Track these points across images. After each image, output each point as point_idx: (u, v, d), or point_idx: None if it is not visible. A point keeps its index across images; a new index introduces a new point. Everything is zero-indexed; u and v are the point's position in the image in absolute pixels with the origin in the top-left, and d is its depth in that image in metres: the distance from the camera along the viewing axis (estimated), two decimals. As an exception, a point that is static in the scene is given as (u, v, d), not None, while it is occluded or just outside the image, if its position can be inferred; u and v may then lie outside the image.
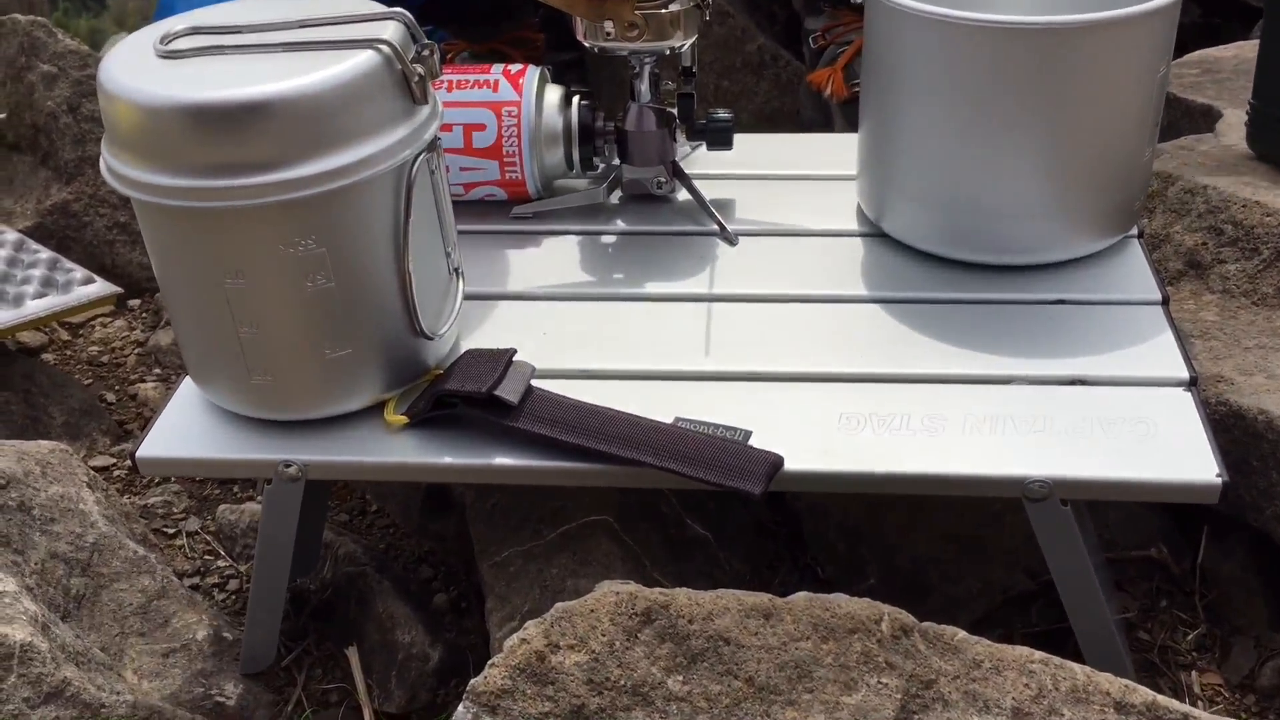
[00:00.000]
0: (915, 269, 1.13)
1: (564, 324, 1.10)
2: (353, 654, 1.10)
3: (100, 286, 1.52)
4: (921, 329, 1.06)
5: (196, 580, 1.24)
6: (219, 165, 0.87)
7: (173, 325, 1.02)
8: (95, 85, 0.91)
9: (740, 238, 1.20)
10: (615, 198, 1.28)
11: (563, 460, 0.94)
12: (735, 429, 0.95)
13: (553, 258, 1.20)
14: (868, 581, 1.13)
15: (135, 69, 0.90)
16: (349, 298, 0.93)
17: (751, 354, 1.04)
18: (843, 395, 0.99)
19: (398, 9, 0.96)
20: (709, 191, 1.25)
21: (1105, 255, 1.13)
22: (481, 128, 1.21)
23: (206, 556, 1.28)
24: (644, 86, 1.22)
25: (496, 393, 0.95)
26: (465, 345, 1.07)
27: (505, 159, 1.22)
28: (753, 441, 0.94)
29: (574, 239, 1.23)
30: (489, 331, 1.09)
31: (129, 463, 1.44)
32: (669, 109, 1.23)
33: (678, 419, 0.96)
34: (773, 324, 1.08)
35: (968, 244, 1.11)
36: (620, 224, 1.25)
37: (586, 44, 1.19)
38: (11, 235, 1.58)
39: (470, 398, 0.96)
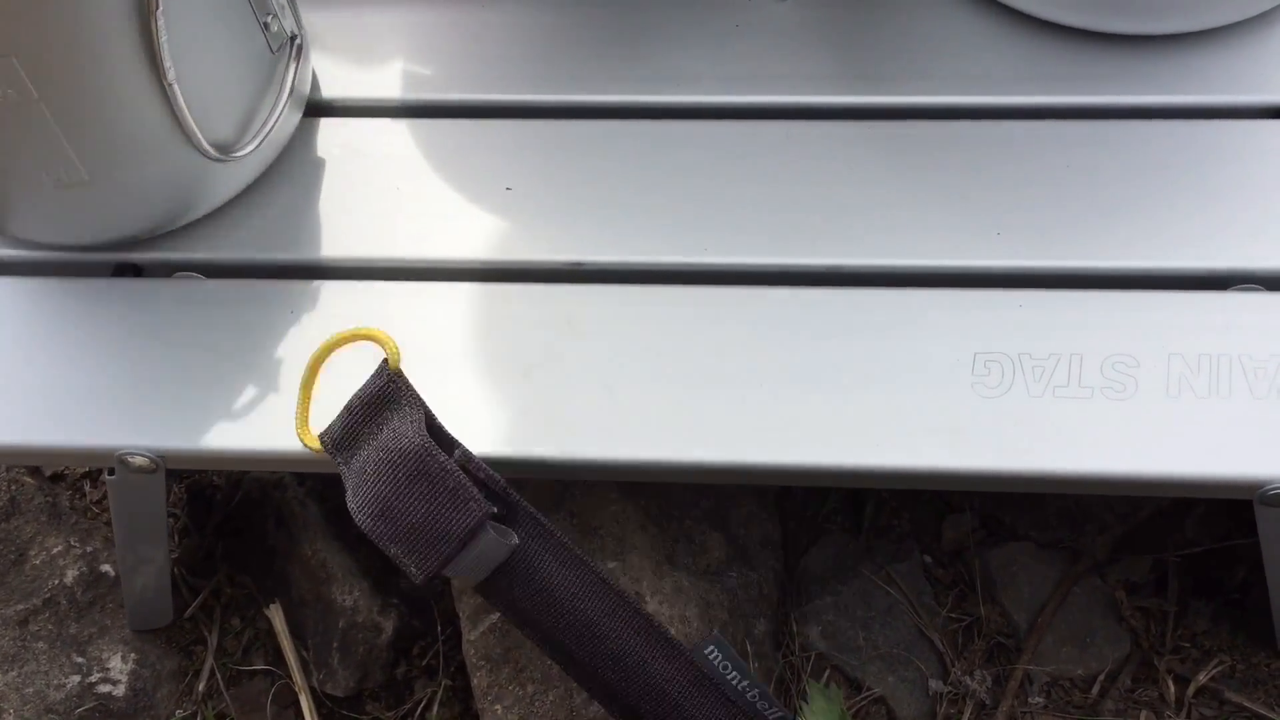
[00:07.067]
0: (1045, 51, 0.75)
1: (533, 175, 0.73)
2: (276, 616, 0.82)
3: None
4: (1082, 171, 0.70)
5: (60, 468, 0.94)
6: None
7: None
8: None
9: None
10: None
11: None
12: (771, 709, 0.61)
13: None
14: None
15: None
16: (65, 115, 0.62)
17: (829, 229, 0.69)
18: (976, 314, 0.65)
19: None
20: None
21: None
22: None
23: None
24: None
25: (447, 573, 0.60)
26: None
27: None
28: (854, 411, 0.61)
29: None
30: (381, 176, 0.73)
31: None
32: None
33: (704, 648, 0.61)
34: (852, 167, 0.71)
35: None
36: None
37: None
38: None
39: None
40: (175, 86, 0.63)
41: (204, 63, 0.65)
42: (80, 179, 0.65)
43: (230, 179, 0.70)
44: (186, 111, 0.64)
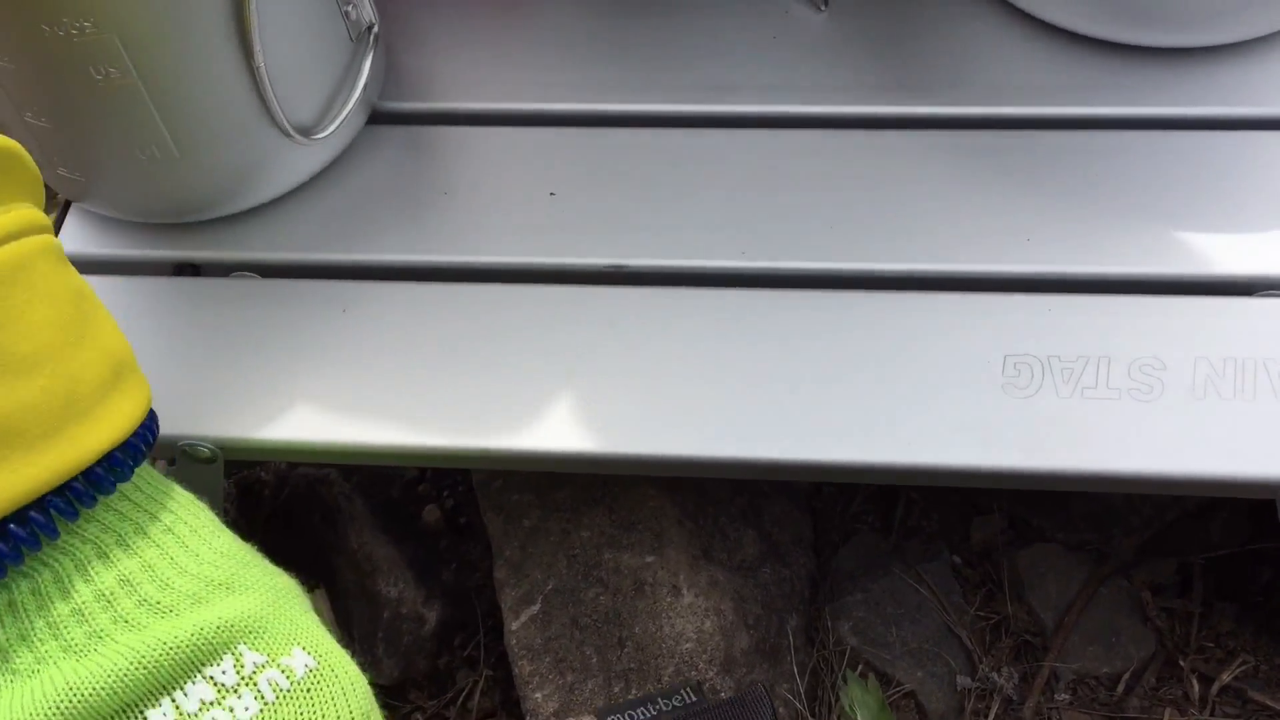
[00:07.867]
0: (1076, 63, 0.76)
1: (576, 180, 0.75)
2: (320, 600, 0.84)
3: None
4: (1111, 180, 0.71)
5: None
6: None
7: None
8: None
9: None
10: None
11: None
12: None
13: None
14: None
15: None
16: (161, 94, 0.64)
17: (863, 234, 0.71)
18: (1006, 318, 0.66)
19: None
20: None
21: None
22: None
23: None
24: None
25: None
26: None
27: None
28: (887, 410, 0.63)
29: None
30: (431, 181, 0.75)
31: None
32: None
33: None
34: (886, 174, 0.73)
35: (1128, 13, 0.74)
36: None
37: None
38: None
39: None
40: (263, 69, 0.64)
41: (289, 47, 0.67)
42: (171, 156, 0.67)
43: (304, 162, 0.72)
44: (273, 94, 0.66)
